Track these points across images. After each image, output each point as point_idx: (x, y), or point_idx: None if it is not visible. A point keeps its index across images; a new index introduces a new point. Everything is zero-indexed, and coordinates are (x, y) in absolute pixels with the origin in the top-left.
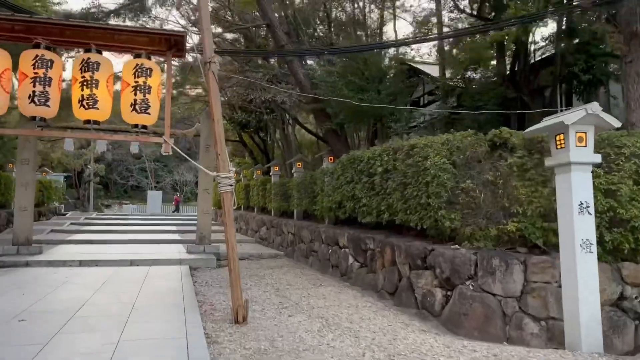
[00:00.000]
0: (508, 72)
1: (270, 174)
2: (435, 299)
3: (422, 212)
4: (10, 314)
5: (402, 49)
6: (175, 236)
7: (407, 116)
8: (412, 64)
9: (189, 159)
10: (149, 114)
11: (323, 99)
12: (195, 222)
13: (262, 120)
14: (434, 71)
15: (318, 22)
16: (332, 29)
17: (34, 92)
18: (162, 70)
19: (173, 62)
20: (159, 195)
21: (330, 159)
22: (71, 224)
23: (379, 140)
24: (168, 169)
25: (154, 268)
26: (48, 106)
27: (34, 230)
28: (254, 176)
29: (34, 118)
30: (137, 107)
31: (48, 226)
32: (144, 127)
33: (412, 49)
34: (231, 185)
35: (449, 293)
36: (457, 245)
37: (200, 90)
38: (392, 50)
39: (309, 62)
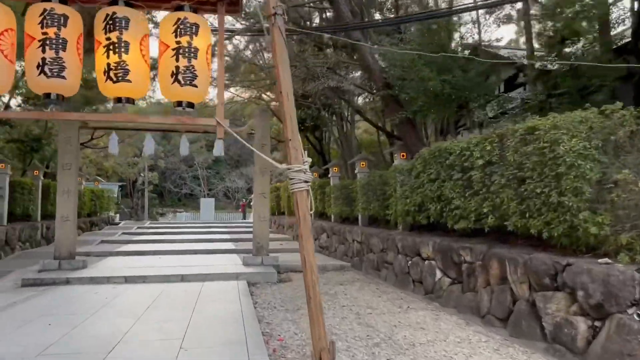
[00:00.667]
0: (630, 40)
1: (329, 176)
2: (577, 330)
3: (549, 215)
4: (21, 358)
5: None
6: (229, 245)
7: (500, 100)
8: (489, 49)
9: (252, 147)
10: (195, 86)
11: (394, 85)
12: (249, 230)
13: (318, 117)
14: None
15: (382, 3)
16: (399, 10)
17: (43, 59)
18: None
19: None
20: (211, 203)
21: (403, 155)
22: (123, 233)
23: (451, 134)
24: (220, 175)
25: (207, 284)
26: (63, 77)
27: (84, 241)
28: None
29: (48, 96)
30: (179, 77)
31: (99, 237)
32: (190, 105)
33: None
34: (307, 182)
35: (596, 324)
36: (606, 259)
37: (253, 89)
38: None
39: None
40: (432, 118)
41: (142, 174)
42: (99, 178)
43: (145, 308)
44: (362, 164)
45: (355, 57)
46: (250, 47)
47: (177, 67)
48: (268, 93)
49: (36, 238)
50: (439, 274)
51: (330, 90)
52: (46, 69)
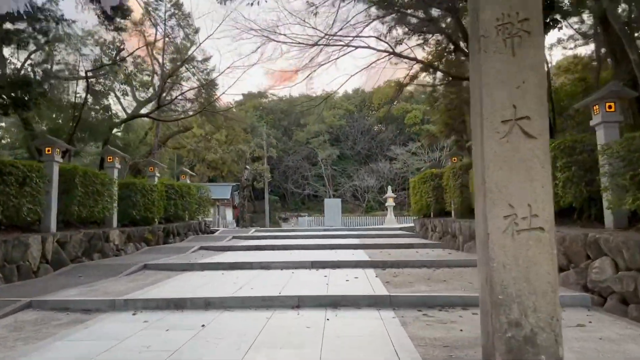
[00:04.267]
0: None
1: (594, 123)
2: None
3: None
4: None
5: None
6: (374, 281)
7: None
8: None
9: None
10: None
11: None
12: (394, 242)
13: None
14: None
15: None
16: None
17: None
18: None
19: None
20: (337, 204)
21: None
22: (201, 248)
23: None
24: (347, 173)
25: None
26: None
27: (118, 265)
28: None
29: None
30: None
31: (161, 255)
32: None
33: None
34: None
35: None
36: None
37: None
38: None
39: None
40: None
41: (247, 167)
42: (187, 170)
43: None
44: None
45: None
46: None
47: None
48: None
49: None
50: None
51: None
52: None
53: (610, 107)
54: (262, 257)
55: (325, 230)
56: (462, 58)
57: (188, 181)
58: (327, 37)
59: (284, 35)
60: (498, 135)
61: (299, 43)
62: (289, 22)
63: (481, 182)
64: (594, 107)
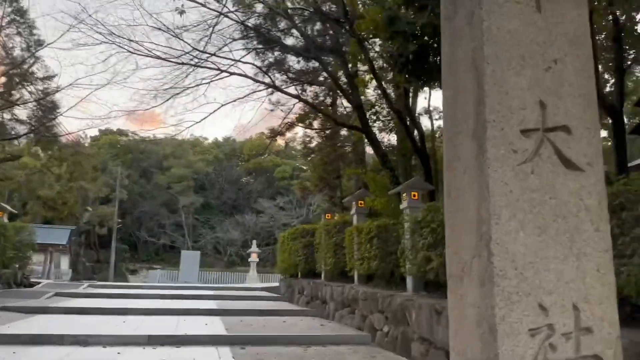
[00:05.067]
0: None
1: None
2: None
3: None
4: None
5: None
6: None
7: None
8: None
9: None
10: None
11: None
12: (268, 307)
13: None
14: None
15: None
16: None
17: None
18: None
19: None
20: (195, 257)
21: None
22: (1, 309)
23: None
24: (210, 224)
25: None
26: None
27: None
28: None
29: None
30: None
31: None
32: None
33: None
34: None
35: None
36: None
37: None
38: None
39: None
40: None
41: (88, 208)
42: (6, 206)
43: None
44: None
45: None
46: None
47: None
48: None
49: None
50: None
51: None
52: None
53: None
54: (83, 325)
55: (177, 288)
56: (339, 112)
57: (5, 220)
58: (196, 53)
59: (136, 42)
60: (515, 157)
61: (159, 58)
62: (145, 24)
63: (475, 251)
64: None
